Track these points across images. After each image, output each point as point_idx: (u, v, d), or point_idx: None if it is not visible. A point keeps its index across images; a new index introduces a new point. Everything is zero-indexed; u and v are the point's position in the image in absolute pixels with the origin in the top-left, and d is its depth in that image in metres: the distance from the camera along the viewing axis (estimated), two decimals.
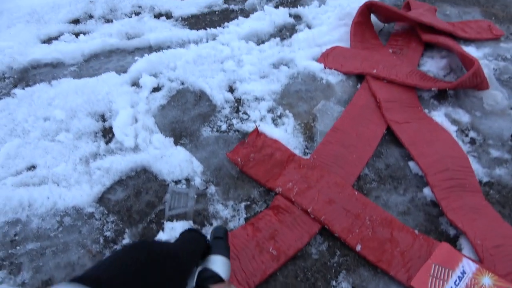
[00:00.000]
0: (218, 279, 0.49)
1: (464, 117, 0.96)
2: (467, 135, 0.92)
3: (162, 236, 0.73)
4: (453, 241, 0.72)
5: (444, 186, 0.78)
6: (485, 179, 0.82)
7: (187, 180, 0.83)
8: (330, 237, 0.74)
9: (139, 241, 0.46)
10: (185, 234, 0.53)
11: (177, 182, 0.82)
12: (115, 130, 0.90)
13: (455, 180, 0.78)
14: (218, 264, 0.51)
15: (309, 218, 0.75)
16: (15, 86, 1.07)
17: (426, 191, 0.80)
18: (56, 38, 1.24)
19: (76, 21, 1.34)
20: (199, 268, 0.50)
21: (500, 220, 0.73)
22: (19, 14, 1.33)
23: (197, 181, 0.82)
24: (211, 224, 0.76)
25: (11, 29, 1.27)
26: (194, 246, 0.50)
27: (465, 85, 0.97)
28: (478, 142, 0.90)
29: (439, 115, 0.95)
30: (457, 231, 0.73)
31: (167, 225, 0.74)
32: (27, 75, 1.11)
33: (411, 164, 0.85)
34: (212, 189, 0.81)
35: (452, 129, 0.91)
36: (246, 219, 0.77)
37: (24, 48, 1.18)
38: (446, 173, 0.79)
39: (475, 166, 0.84)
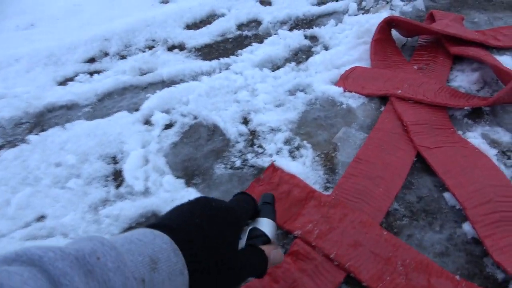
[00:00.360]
0: (266, 239, 0.52)
1: (504, 137, 0.86)
2: (509, 158, 0.81)
3: None
4: (503, 287, 0.62)
5: (488, 221, 0.68)
6: None
7: None
8: (357, 286, 0.65)
9: (199, 197, 0.47)
10: (238, 195, 0.56)
11: None
12: (125, 173, 0.86)
13: (500, 214, 0.68)
14: (266, 225, 0.54)
15: (333, 265, 0.67)
16: (31, 132, 1.06)
17: (466, 227, 0.70)
18: (71, 79, 1.23)
19: (91, 60, 1.34)
20: (249, 227, 0.54)
21: None
22: (38, 58, 1.35)
23: None
24: None
25: (29, 73, 1.28)
26: (247, 205, 0.53)
27: (503, 101, 0.88)
28: None
29: (475, 137, 0.86)
30: (506, 275, 0.63)
31: None
32: (42, 119, 1.10)
33: (447, 195, 0.76)
34: None
35: (491, 152, 0.81)
36: None
37: (40, 91, 1.18)
38: (488, 205, 0.70)
39: None
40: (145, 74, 1.20)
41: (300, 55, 1.21)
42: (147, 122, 1.02)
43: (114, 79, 1.15)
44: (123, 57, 1.33)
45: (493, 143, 0.85)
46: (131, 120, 1.00)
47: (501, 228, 0.67)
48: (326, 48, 1.21)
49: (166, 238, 0.38)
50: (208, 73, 1.16)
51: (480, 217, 0.68)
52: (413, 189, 0.78)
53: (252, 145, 0.92)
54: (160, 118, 0.99)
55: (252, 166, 0.87)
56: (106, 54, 1.36)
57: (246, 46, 1.29)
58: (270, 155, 0.88)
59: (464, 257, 0.67)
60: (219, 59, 1.20)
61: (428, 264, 0.65)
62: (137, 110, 1.06)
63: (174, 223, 0.41)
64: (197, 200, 0.47)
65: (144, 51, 1.34)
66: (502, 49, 1.12)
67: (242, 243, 0.52)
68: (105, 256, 0.32)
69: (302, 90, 1.05)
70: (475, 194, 0.71)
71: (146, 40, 1.40)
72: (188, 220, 0.42)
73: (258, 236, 0.52)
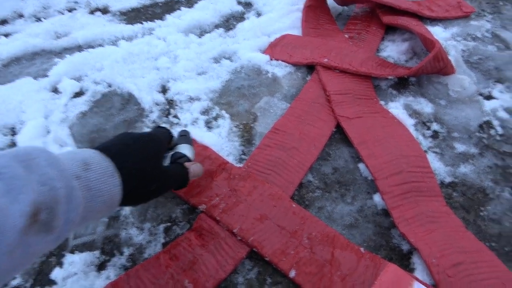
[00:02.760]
0: (187, 159, 0.60)
1: (426, 107, 0.84)
2: (429, 128, 0.80)
3: (58, 274, 0.61)
4: (406, 259, 0.61)
5: (397, 193, 0.66)
6: (447, 179, 0.71)
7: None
8: (260, 261, 0.62)
9: (123, 132, 0.53)
10: (155, 128, 0.64)
11: None
12: (19, 144, 0.77)
13: (410, 184, 0.66)
14: (185, 149, 0.62)
15: (236, 240, 0.63)
16: None
17: (377, 198, 0.68)
18: None
19: (3, 22, 1.20)
20: (171, 153, 0.60)
21: (462, 230, 0.61)
22: None
23: None
24: (122, 254, 0.64)
25: None
26: (165, 131, 0.61)
27: (426, 71, 0.85)
28: (441, 135, 0.78)
29: (396, 107, 0.83)
30: (411, 246, 0.61)
31: (67, 258, 0.62)
32: None
33: (361, 166, 0.73)
34: (126, 210, 0.69)
35: (409, 122, 0.79)
36: (165, 244, 0.65)
37: None
38: (399, 176, 0.68)
39: (437, 164, 0.73)
40: (60, 38, 1.09)
41: (231, 22, 1.14)
42: (55, 90, 0.93)
43: (22, 42, 1.04)
44: (39, 19, 1.20)
45: (415, 113, 0.83)
46: (36, 87, 0.91)
47: (410, 199, 0.65)
48: (259, 14, 1.14)
49: (93, 150, 0.44)
50: (130, 38, 1.07)
51: (390, 188, 0.66)
52: (330, 160, 0.75)
53: (167, 115, 0.85)
54: (68, 86, 0.90)
55: None
56: (21, 16, 1.23)
57: (176, 10, 1.20)
58: (185, 126, 0.82)
59: (372, 228, 0.65)
60: (142, 24, 1.10)
61: (335, 236, 0.62)
62: (45, 76, 0.96)
63: (102, 145, 0.46)
64: (121, 133, 0.52)
65: (63, 14, 1.22)
66: (435, 20, 1.10)
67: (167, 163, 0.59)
68: (39, 157, 0.35)
69: (228, 58, 0.99)
70: (387, 165, 0.69)
71: (67, 1, 1.27)
72: (114, 142, 0.48)
73: (180, 157, 0.60)
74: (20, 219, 0.31)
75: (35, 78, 0.95)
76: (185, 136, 0.67)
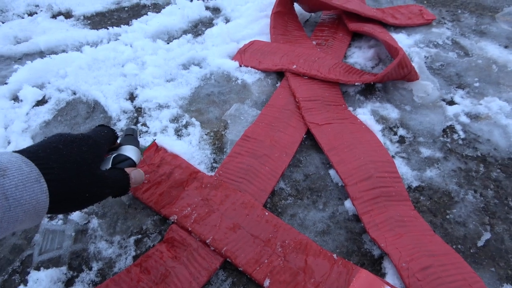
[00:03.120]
0: (131, 162, 0.55)
1: (392, 113, 0.86)
2: (395, 133, 0.82)
3: None
4: (378, 263, 0.62)
5: (367, 198, 0.67)
6: (415, 184, 0.73)
7: (65, 214, 0.68)
8: (235, 271, 0.61)
9: (55, 134, 0.48)
10: (95, 128, 0.57)
11: (52, 217, 0.67)
12: None
13: (379, 189, 0.68)
14: (129, 151, 0.56)
15: (209, 251, 0.62)
16: None
17: (348, 204, 0.69)
18: None
19: None
20: (113, 155, 0.55)
21: (430, 234, 0.63)
22: None
23: (76, 214, 0.67)
24: (91, 269, 0.61)
25: None
26: (106, 131, 0.55)
27: (391, 77, 0.87)
28: (407, 140, 0.80)
29: (364, 113, 0.85)
30: (382, 251, 0.62)
31: (32, 276, 0.60)
32: None
33: (332, 172, 0.74)
34: (94, 222, 0.67)
35: (376, 128, 0.81)
36: (136, 257, 0.63)
37: None
38: (368, 181, 0.69)
39: (404, 169, 0.75)
40: (20, 43, 1.04)
41: (200, 27, 1.13)
42: (15, 98, 0.89)
43: None
44: None
45: (382, 119, 0.85)
46: None
47: (379, 204, 0.66)
48: (227, 20, 1.14)
49: (15, 154, 0.40)
50: (95, 44, 1.03)
51: (360, 193, 0.67)
52: (301, 167, 0.75)
53: (136, 123, 0.83)
54: (30, 93, 0.87)
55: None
56: None
57: (143, 15, 1.17)
58: (155, 134, 0.80)
59: (344, 234, 0.66)
60: (107, 29, 1.08)
61: (307, 244, 0.62)
62: (5, 84, 0.91)
63: (29, 148, 0.43)
64: (53, 135, 0.48)
65: (23, 17, 1.17)
66: (399, 27, 1.13)
67: (107, 167, 0.54)
68: None
69: (197, 64, 0.98)
70: (357, 171, 0.70)
71: (27, 5, 1.22)
72: (44, 145, 0.44)
73: (123, 160, 0.55)
74: None
75: None
76: (131, 136, 0.60)
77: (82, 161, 0.46)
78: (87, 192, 0.46)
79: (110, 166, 0.54)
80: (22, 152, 0.41)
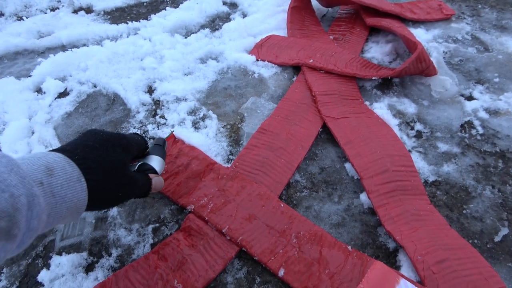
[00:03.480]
0: (154, 172, 0.58)
1: (410, 108, 0.86)
2: (412, 128, 0.81)
3: (45, 276, 0.60)
4: (393, 256, 0.62)
5: (382, 191, 0.67)
6: (431, 178, 0.72)
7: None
8: (250, 261, 0.62)
9: (89, 129, 0.51)
10: (129, 133, 0.61)
11: None
12: (2, 146, 0.76)
13: (395, 183, 0.68)
14: (154, 161, 0.59)
15: (225, 240, 0.63)
16: None
17: (363, 197, 0.69)
18: None
19: None
20: (140, 162, 0.59)
21: (446, 228, 0.63)
22: None
23: None
24: (110, 255, 0.63)
25: None
26: (138, 138, 0.58)
27: (409, 72, 0.87)
28: (424, 135, 0.80)
29: (381, 107, 0.85)
30: (397, 244, 0.62)
31: (54, 260, 0.62)
32: None
33: (348, 165, 0.74)
34: (114, 211, 0.68)
35: (393, 122, 0.81)
36: (153, 245, 0.64)
37: None
38: (384, 175, 0.69)
39: (421, 163, 0.74)
40: (43, 37, 1.07)
41: (217, 22, 1.14)
42: (38, 90, 0.91)
43: (4, 41, 1.02)
44: (21, 18, 1.18)
45: (399, 113, 0.84)
46: (19, 87, 0.89)
47: (395, 198, 0.66)
48: (244, 15, 1.14)
49: (58, 154, 0.42)
50: (114, 38, 1.06)
51: (376, 187, 0.67)
52: (316, 160, 0.76)
53: (154, 115, 0.85)
54: (53, 86, 0.89)
55: (152, 138, 0.80)
56: (1, 15, 1.20)
57: (161, 10, 1.19)
58: (172, 126, 0.81)
59: (359, 227, 0.66)
60: (127, 23, 1.10)
61: (322, 235, 0.63)
62: (29, 76, 0.94)
63: (68, 147, 0.45)
64: (87, 131, 0.50)
65: (46, 13, 1.20)
66: (417, 22, 1.12)
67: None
68: None
69: (214, 58, 0.99)
70: (373, 164, 0.70)
71: (50, 0, 1.25)
72: (82, 143, 0.46)
73: (147, 170, 0.58)
74: None
75: (17, 78, 0.93)
76: (159, 147, 0.64)
77: (117, 162, 0.48)
78: (121, 192, 0.48)
79: (135, 170, 0.58)
80: (62, 151, 0.43)
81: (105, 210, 0.56)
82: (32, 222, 0.36)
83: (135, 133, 0.61)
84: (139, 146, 0.57)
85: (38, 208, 0.36)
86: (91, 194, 0.43)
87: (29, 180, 0.36)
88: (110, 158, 0.47)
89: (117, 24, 1.11)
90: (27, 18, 1.15)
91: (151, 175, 0.57)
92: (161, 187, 0.60)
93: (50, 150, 0.44)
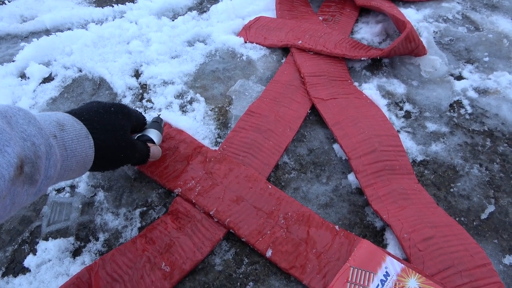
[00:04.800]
0: (152, 142, 0.63)
1: (399, 88, 0.85)
2: (401, 108, 0.81)
3: (32, 261, 0.59)
4: (380, 235, 0.62)
5: (370, 171, 0.67)
6: (419, 158, 0.72)
7: (72, 187, 0.69)
8: (237, 242, 0.62)
9: (92, 100, 0.57)
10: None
11: (59, 190, 0.69)
12: None
13: (383, 163, 0.68)
14: (152, 133, 0.64)
15: (213, 222, 0.63)
16: None
17: (351, 177, 0.69)
18: None
19: None
20: (138, 134, 0.64)
21: (433, 206, 0.63)
22: None
23: (83, 187, 0.68)
24: (97, 240, 0.63)
25: None
26: (139, 114, 0.63)
27: (398, 52, 0.86)
28: (413, 115, 0.80)
29: (370, 88, 0.84)
30: (384, 223, 0.62)
31: (41, 245, 0.61)
32: None
33: (336, 146, 0.74)
34: (101, 195, 0.68)
35: (382, 103, 0.80)
36: (141, 229, 0.64)
37: None
38: (372, 155, 0.69)
39: (409, 143, 0.74)
40: (26, 21, 1.05)
41: (205, 4, 1.12)
42: (22, 75, 0.89)
43: None
44: (2, 2, 1.15)
45: (388, 94, 0.84)
46: (2, 72, 0.87)
47: (383, 177, 0.66)
48: None
49: (66, 114, 0.45)
50: (100, 21, 1.04)
51: (364, 167, 0.67)
52: (305, 142, 0.75)
53: (141, 99, 0.84)
54: (37, 71, 0.87)
55: None
56: None
57: None
58: (160, 110, 0.80)
59: (347, 207, 0.66)
60: (112, 6, 1.07)
61: (310, 215, 0.63)
62: (12, 62, 0.92)
63: (73, 110, 0.48)
64: (91, 101, 0.54)
65: None
66: (407, 2, 1.11)
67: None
68: (16, 115, 0.36)
69: (202, 41, 0.97)
70: (361, 144, 0.70)
71: None
72: (87, 108, 0.50)
73: (146, 140, 0.63)
74: (9, 170, 0.32)
75: (0, 63, 0.91)
76: (156, 123, 0.68)
77: (120, 127, 0.52)
78: (123, 153, 0.52)
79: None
80: (68, 113, 0.47)
81: (107, 171, 0.61)
82: (49, 170, 0.39)
83: (135, 109, 0.65)
84: (138, 117, 0.61)
85: (55, 158, 0.39)
86: (97, 152, 0.47)
87: (45, 132, 0.39)
88: (113, 122, 0.51)
89: (102, 7, 1.08)
90: (9, 2, 1.13)
91: (149, 144, 0.62)
92: (159, 155, 0.65)
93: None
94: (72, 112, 0.48)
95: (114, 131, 0.51)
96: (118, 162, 0.54)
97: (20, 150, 0.34)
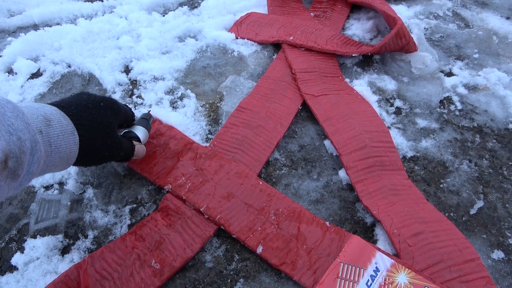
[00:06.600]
0: (137, 140, 0.63)
1: (390, 85, 0.85)
2: (392, 105, 0.81)
3: (19, 259, 0.59)
4: (370, 231, 0.62)
5: (360, 167, 0.67)
6: (410, 154, 0.72)
7: (60, 184, 0.68)
8: (228, 239, 0.62)
9: (82, 92, 0.55)
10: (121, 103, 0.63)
11: (47, 187, 0.68)
12: None
13: (373, 159, 0.68)
14: (139, 130, 0.64)
15: (203, 219, 0.62)
16: None
17: (342, 173, 0.69)
18: None
19: None
20: (125, 130, 0.63)
21: (423, 202, 0.63)
22: None
23: (72, 184, 0.67)
24: (86, 237, 0.62)
25: None
26: (127, 109, 0.63)
27: (389, 48, 0.86)
28: (404, 111, 0.80)
29: (361, 84, 0.84)
30: (374, 219, 0.63)
31: (29, 243, 0.60)
32: None
33: (327, 142, 0.74)
34: (90, 192, 0.67)
35: (373, 99, 0.80)
36: (130, 226, 0.64)
37: None
38: (363, 151, 0.69)
39: (400, 139, 0.74)
40: (14, 16, 1.03)
41: (196, 0, 1.11)
42: (9, 70, 0.88)
43: None
44: None
45: (379, 90, 0.84)
46: None
47: (373, 173, 0.67)
48: None
49: (54, 107, 0.45)
50: (89, 16, 1.02)
51: (354, 163, 0.67)
52: (296, 138, 0.75)
53: (131, 95, 0.83)
54: (24, 66, 0.86)
55: None
56: None
57: None
58: (150, 106, 0.80)
59: (337, 203, 0.66)
60: (102, 1, 1.06)
61: (301, 212, 0.63)
62: None
63: (62, 103, 0.48)
64: (81, 92, 0.53)
65: None
66: None
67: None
68: (3, 108, 0.36)
69: (192, 37, 0.96)
70: (351, 140, 0.70)
71: None
72: (76, 102, 0.49)
73: (131, 137, 0.62)
74: None
75: None
76: (145, 120, 0.67)
77: (107, 124, 0.52)
78: (107, 151, 0.52)
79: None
80: (57, 106, 0.46)
81: (91, 166, 0.63)
82: (32, 166, 0.38)
83: (125, 104, 0.65)
84: (126, 114, 0.61)
85: (39, 154, 0.39)
86: (81, 149, 0.47)
87: (32, 127, 0.39)
88: (101, 119, 0.51)
89: (92, 2, 1.07)
90: None
91: (134, 142, 0.61)
92: (143, 154, 0.64)
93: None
94: (61, 105, 0.47)
95: (101, 128, 0.50)
96: (101, 159, 0.54)
97: (5, 144, 0.34)
